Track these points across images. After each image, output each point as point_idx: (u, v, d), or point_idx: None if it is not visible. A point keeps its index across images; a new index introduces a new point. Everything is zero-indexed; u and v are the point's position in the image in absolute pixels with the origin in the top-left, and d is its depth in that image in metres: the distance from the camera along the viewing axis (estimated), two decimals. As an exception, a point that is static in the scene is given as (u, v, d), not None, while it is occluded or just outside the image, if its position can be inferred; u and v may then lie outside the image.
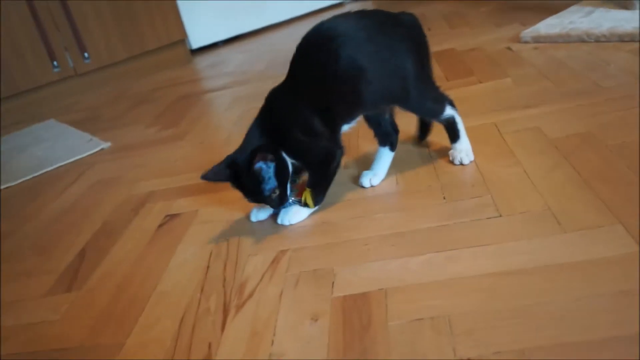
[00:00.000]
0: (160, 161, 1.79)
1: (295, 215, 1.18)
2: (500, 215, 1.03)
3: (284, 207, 1.18)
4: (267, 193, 1.12)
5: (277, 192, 1.14)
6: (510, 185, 1.12)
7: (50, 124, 2.59)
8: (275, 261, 1.06)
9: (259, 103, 1.19)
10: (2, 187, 1.92)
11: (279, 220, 1.19)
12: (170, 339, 0.92)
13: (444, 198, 1.14)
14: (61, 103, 2.99)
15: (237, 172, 1.12)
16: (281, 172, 1.13)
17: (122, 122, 2.36)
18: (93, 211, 1.53)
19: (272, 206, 1.17)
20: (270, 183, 1.12)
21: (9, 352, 1.02)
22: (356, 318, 0.85)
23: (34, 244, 1.42)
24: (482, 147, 1.29)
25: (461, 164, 1.25)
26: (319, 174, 1.18)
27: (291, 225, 1.18)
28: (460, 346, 0.75)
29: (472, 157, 1.25)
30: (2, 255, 1.41)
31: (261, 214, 1.24)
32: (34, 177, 1.94)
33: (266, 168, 1.11)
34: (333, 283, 0.95)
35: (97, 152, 2.03)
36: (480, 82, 1.76)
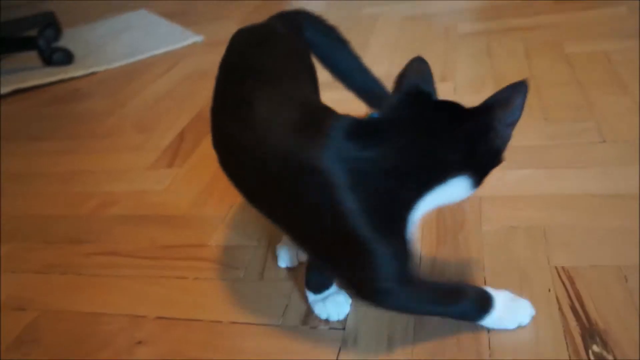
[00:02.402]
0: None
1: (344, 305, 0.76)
2: (604, 141, 1.01)
3: None
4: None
5: None
6: (616, 113, 1.08)
7: (141, 13, 2.65)
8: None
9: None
10: (99, 69, 2.01)
11: (324, 315, 0.75)
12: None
13: (546, 119, 1.12)
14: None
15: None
16: None
17: (212, 17, 2.39)
18: (188, 99, 1.59)
19: None
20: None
21: (121, 213, 1.12)
22: (449, 218, 0.88)
23: (135, 123, 1.51)
24: (589, 73, 1.24)
25: None
26: None
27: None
28: (555, 255, 0.77)
29: None
30: (106, 130, 1.51)
31: (287, 256, 0.86)
32: (128, 64, 2.02)
33: None
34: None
35: (189, 44, 2.08)
36: (592, 9, 1.66)
